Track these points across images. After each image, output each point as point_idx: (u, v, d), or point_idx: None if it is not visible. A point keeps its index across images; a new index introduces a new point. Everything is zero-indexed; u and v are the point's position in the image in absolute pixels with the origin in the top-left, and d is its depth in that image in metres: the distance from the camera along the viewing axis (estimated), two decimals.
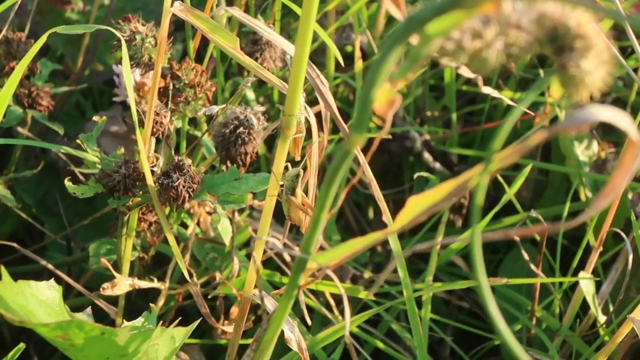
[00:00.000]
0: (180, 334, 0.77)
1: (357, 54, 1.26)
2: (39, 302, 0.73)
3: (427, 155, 1.33)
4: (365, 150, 1.34)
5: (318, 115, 0.88)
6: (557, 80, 0.48)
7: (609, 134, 1.37)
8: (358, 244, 0.59)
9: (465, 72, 0.72)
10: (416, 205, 0.54)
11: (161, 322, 1.06)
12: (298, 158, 0.81)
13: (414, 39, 0.47)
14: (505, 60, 0.48)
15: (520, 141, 0.47)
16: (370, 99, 0.49)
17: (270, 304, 0.80)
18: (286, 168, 0.79)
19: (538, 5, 0.47)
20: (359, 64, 1.25)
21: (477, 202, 0.46)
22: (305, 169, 0.81)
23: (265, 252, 0.92)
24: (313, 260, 0.61)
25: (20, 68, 0.81)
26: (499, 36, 0.47)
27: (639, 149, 0.46)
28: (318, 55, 1.30)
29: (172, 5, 0.81)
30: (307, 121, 0.81)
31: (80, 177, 1.12)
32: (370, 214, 1.35)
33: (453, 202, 0.53)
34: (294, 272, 0.62)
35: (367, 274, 1.21)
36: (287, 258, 1.14)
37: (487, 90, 0.79)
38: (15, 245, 1.05)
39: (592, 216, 0.47)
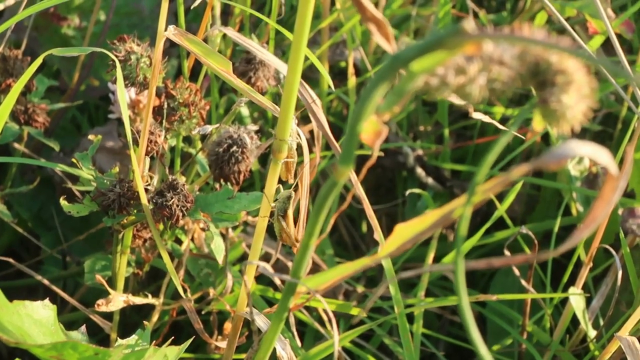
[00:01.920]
0: (173, 352, 0.78)
1: (351, 70, 1.27)
2: (34, 322, 0.74)
3: (419, 171, 1.35)
4: (358, 167, 1.35)
5: (312, 132, 0.89)
6: (538, 114, 0.49)
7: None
8: (347, 269, 0.61)
9: (455, 100, 0.73)
10: (403, 233, 0.55)
11: (155, 336, 1.08)
12: (290, 181, 0.82)
13: (400, 75, 0.48)
14: (489, 94, 0.49)
15: (503, 175, 0.48)
16: (357, 133, 0.50)
17: (262, 322, 0.81)
18: (278, 190, 0.81)
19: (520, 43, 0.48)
20: (352, 80, 1.26)
21: (460, 233, 0.47)
22: (297, 189, 0.82)
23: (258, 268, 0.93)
24: (303, 284, 0.62)
25: (18, 87, 0.82)
26: (482, 72, 0.48)
27: (618, 183, 0.48)
28: (312, 71, 1.32)
29: (166, 29, 0.82)
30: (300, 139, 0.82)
31: (77, 193, 1.13)
32: (364, 228, 1.36)
33: (439, 230, 0.54)
34: (284, 295, 0.63)
35: (360, 289, 1.22)
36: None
37: (477, 115, 0.80)
38: (10, 260, 1.06)
39: (573, 246, 0.49)
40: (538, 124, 0.50)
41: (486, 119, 0.82)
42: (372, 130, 0.51)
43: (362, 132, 0.51)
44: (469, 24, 0.44)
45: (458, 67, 0.48)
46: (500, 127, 0.87)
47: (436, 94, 0.48)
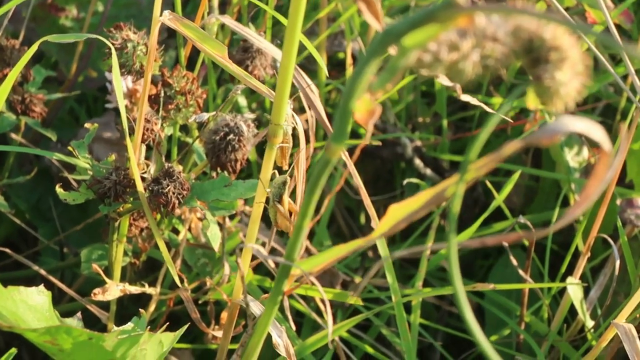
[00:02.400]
0: (168, 339, 0.78)
1: (349, 60, 1.27)
2: (29, 308, 0.74)
3: (418, 162, 1.34)
4: (357, 158, 1.35)
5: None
6: (532, 91, 0.49)
7: None
8: (341, 251, 0.60)
9: (444, 81, 0.73)
10: (396, 213, 0.55)
11: (153, 326, 1.08)
12: (285, 167, 0.82)
13: (392, 51, 0.48)
14: (482, 71, 0.49)
15: (496, 150, 0.48)
16: (349, 110, 0.50)
17: (257, 309, 0.81)
18: (274, 175, 0.80)
19: (514, 18, 0.48)
20: (350, 71, 1.26)
21: (452, 211, 0.47)
22: (292, 176, 0.82)
23: (255, 257, 0.93)
24: (296, 266, 0.62)
25: (13, 75, 0.82)
26: (475, 48, 0.48)
27: (611, 159, 0.47)
28: (310, 63, 1.31)
29: (161, 15, 0.82)
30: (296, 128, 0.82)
31: (74, 183, 1.13)
32: (362, 219, 1.36)
33: (433, 209, 0.54)
34: (278, 278, 0.63)
35: (358, 280, 1.21)
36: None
37: (465, 98, 0.80)
38: (8, 250, 1.06)
39: (567, 223, 0.48)
40: (532, 101, 0.50)
41: (474, 101, 0.82)
42: (365, 108, 0.51)
43: (355, 111, 0.51)
44: None
45: (451, 44, 0.47)
46: (492, 111, 0.86)
47: (429, 70, 0.48)
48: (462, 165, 0.47)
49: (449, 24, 0.44)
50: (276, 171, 0.80)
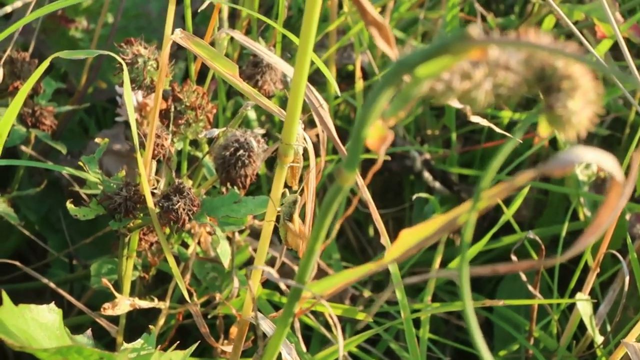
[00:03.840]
0: (178, 357, 0.78)
1: (358, 73, 1.27)
2: (40, 326, 0.74)
3: (427, 175, 1.34)
4: (365, 171, 1.35)
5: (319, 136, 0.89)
6: (544, 119, 0.49)
7: (607, 152, 1.38)
8: (352, 275, 0.60)
9: (455, 104, 0.73)
10: (408, 239, 0.55)
11: (162, 340, 1.08)
12: (295, 187, 0.82)
13: (405, 79, 0.48)
14: (494, 99, 0.49)
15: (509, 180, 0.48)
16: (362, 138, 0.50)
17: (267, 327, 0.81)
18: (284, 194, 0.80)
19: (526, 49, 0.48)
20: (359, 84, 1.26)
21: (465, 240, 0.47)
22: (303, 193, 0.82)
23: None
24: (308, 289, 0.62)
25: (25, 88, 0.82)
26: (487, 77, 0.48)
27: (623, 189, 0.47)
28: (320, 75, 1.31)
29: (173, 32, 0.82)
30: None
31: (84, 196, 1.14)
32: (371, 232, 1.36)
33: (443, 236, 0.54)
34: (289, 300, 0.63)
35: (366, 293, 1.21)
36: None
37: (475, 119, 0.80)
38: (17, 263, 1.06)
39: (579, 252, 0.48)
40: (544, 129, 0.50)
41: (484, 122, 0.82)
42: (377, 135, 0.51)
43: (367, 137, 0.51)
44: (474, 29, 0.43)
45: (463, 72, 0.47)
46: (501, 132, 0.86)
47: (441, 99, 0.48)
48: (474, 194, 0.47)
49: (462, 56, 0.44)
50: (287, 190, 0.80)
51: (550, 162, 0.46)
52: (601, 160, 0.46)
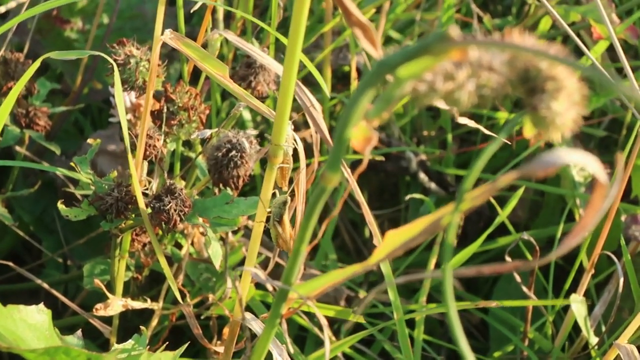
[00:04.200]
0: (167, 358, 0.78)
1: (354, 74, 1.27)
2: (28, 326, 0.74)
3: (422, 176, 1.34)
4: (362, 174, 1.35)
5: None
6: (529, 121, 0.49)
7: (604, 154, 1.38)
8: (338, 276, 0.60)
9: (441, 105, 0.73)
10: (393, 239, 0.55)
11: (155, 341, 1.08)
12: (285, 188, 0.82)
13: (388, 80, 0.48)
14: (478, 100, 0.49)
15: (491, 182, 0.48)
16: (344, 138, 0.50)
17: (258, 327, 0.81)
18: (274, 195, 0.80)
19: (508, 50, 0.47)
20: (355, 85, 1.26)
21: (448, 241, 0.47)
22: (293, 195, 0.82)
23: None
24: (294, 290, 0.61)
25: (17, 88, 0.82)
26: (471, 78, 0.48)
27: (607, 190, 0.47)
28: (314, 76, 1.31)
29: (162, 33, 0.82)
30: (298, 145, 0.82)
31: (79, 196, 1.13)
32: (366, 233, 1.36)
33: (428, 238, 0.54)
34: (276, 301, 0.63)
35: (362, 294, 1.21)
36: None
37: (463, 120, 0.80)
38: (11, 264, 1.06)
39: (564, 252, 0.48)
40: (529, 131, 0.49)
41: (471, 123, 0.82)
42: (361, 136, 0.51)
43: (352, 138, 0.51)
44: (455, 30, 0.43)
45: (446, 73, 0.47)
46: (490, 133, 0.86)
47: (425, 100, 0.48)
48: (458, 195, 0.47)
49: (443, 57, 0.44)
50: (277, 191, 0.80)
51: (533, 162, 0.46)
52: (585, 162, 0.46)
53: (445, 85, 0.47)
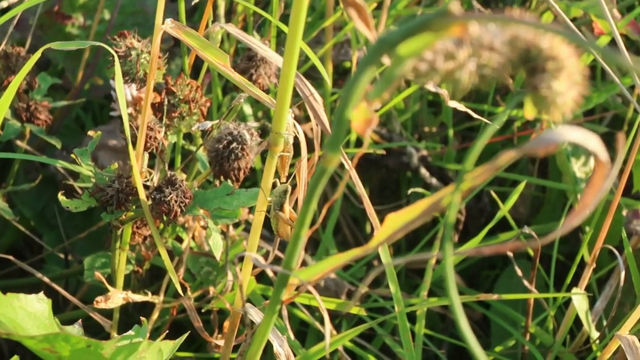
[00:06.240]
0: (167, 347, 0.78)
1: (355, 69, 1.27)
2: (28, 315, 0.74)
3: (424, 171, 1.34)
4: (365, 169, 1.35)
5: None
6: (529, 101, 0.49)
7: (606, 150, 1.37)
8: (339, 260, 0.60)
9: (431, 87, 0.73)
10: (393, 223, 0.55)
11: (156, 335, 1.08)
12: (284, 177, 0.82)
13: (387, 60, 0.48)
14: (479, 80, 0.49)
15: (491, 161, 0.48)
16: (345, 119, 0.49)
17: (257, 316, 0.81)
18: (275, 184, 0.80)
19: (510, 27, 0.47)
20: None
21: (449, 220, 0.47)
22: (295, 185, 0.82)
23: (257, 266, 0.93)
24: (295, 275, 0.61)
25: (17, 81, 0.82)
26: (471, 57, 0.47)
27: (608, 169, 0.47)
28: (316, 71, 1.31)
29: (163, 23, 0.82)
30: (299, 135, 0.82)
31: (79, 190, 1.13)
32: (368, 228, 1.36)
33: (430, 218, 0.53)
34: (276, 287, 0.63)
35: (363, 289, 1.21)
36: None
37: (453, 104, 0.79)
38: (12, 258, 1.06)
39: (563, 234, 0.48)
40: (529, 111, 0.49)
41: (461, 107, 0.82)
42: (362, 117, 0.51)
43: (352, 120, 0.51)
44: (456, 6, 0.43)
45: (447, 53, 0.47)
46: (485, 120, 0.86)
47: (425, 79, 0.48)
48: (458, 175, 0.47)
49: (443, 33, 0.43)
50: (277, 180, 0.80)
51: (534, 141, 0.46)
52: (585, 140, 0.46)
53: (446, 64, 0.47)
